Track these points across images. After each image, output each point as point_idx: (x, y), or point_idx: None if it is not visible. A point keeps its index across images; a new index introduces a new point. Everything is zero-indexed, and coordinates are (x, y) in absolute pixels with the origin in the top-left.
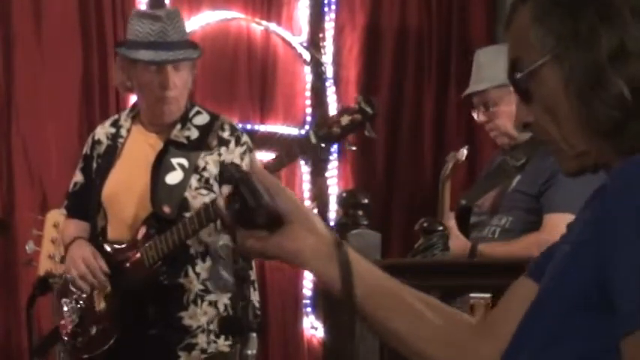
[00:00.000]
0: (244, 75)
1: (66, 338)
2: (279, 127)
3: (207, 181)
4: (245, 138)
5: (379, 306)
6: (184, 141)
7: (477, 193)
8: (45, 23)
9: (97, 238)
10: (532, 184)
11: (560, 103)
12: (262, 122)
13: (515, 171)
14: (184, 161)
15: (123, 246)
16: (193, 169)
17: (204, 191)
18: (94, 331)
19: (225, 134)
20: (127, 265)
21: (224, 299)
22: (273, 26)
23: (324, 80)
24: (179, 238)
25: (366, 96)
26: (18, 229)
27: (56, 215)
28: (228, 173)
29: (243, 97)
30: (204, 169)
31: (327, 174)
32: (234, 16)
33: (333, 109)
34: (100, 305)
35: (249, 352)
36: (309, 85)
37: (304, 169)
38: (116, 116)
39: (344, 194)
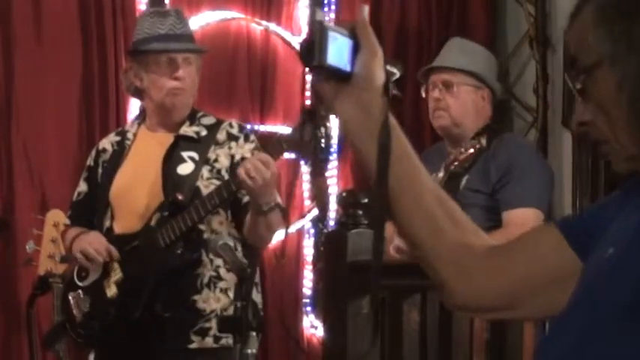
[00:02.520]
0: (244, 75)
1: (77, 329)
2: (278, 127)
3: (218, 172)
4: (253, 137)
5: (404, 207)
6: (194, 135)
7: None
8: (45, 24)
9: (106, 237)
10: (484, 182)
11: (613, 105)
12: (262, 122)
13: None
14: (195, 154)
15: (134, 232)
16: (204, 161)
17: (215, 181)
18: (105, 317)
19: (234, 130)
20: (140, 248)
21: (235, 289)
22: (272, 26)
23: None
24: (198, 215)
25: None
26: (18, 228)
27: (56, 215)
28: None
29: (242, 97)
30: (216, 160)
31: (327, 174)
32: (233, 16)
33: None
34: (111, 291)
35: (250, 351)
36: (308, 85)
37: (304, 169)
38: (120, 128)
39: (344, 194)
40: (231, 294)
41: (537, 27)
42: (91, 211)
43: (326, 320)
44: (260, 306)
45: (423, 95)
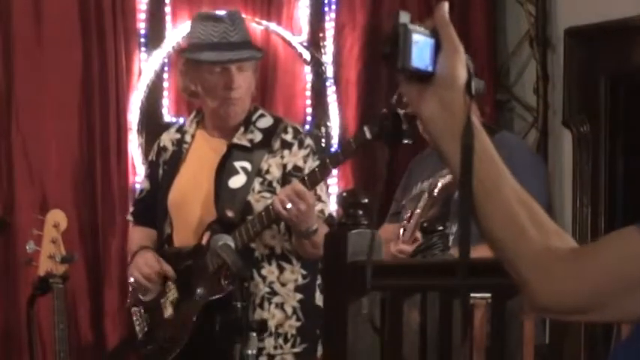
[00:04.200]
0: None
1: (139, 347)
2: None
3: (270, 184)
4: (308, 141)
5: (487, 210)
6: (247, 144)
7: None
8: (45, 23)
9: (162, 245)
10: None
11: None
12: None
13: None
14: (247, 164)
15: (188, 251)
16: (256, 172)
17: (267, 194)
18: (162, 338)
19: (289, 137)
20: (192, 269)
21: (292, 302)
22: (273, 26)
23: (324, 80)
24: (242, 241)
25: None
26: (18, 228)
27: (56, 215)
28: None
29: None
30: (267, 171)
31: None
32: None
33: (333, 109)
34: (168, 312)
35: (250, 351)
36: (309, 85)
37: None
38: (181, 122)
39: (344, 194)
40: (287, 308)
41: (537, 27)
42: (153, 209)
43: (325, 321)
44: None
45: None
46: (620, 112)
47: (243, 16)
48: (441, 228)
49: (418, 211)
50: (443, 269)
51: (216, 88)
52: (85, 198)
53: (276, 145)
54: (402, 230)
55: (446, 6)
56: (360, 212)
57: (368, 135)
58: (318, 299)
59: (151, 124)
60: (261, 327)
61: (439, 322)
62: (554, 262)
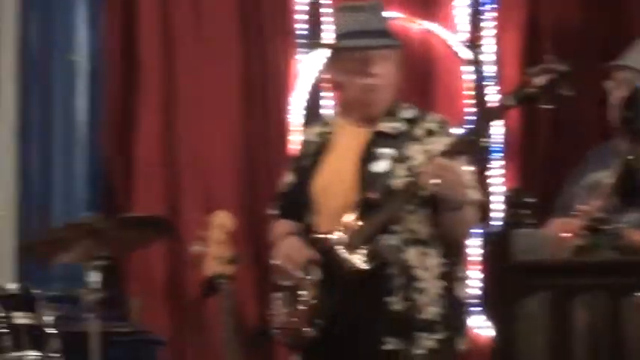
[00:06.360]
0: (404, 75)
1: (277, 331)
2: None
3: (413, 170)
4: (452, 131)
5: None
6: (391, 131)
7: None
8: (204, 19)
9: (307, 234)
10: None
11: None
12: None
13: None
14: (391, 151)
15: (330, 235)
16: (400, 158)
17: (410, 180)
18: (304, 320)
19: (433, 125)
20: (335, 253)
21: (433, 289)
22: (432, 26)
23: (484, 79)
24: (385, 217)
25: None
26: (184, 229)
27: (222, 216)
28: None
29: (402, 97)
30: (411, 158)
31: (489, 172)
32: (393, 16)
33: None
34: (310, 294)
35: (417, 351)
36: (469, 85)
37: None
38: (324, 117)
39: (510, 193)
40: (429, 294)
41: None
42: (297, 202)
43: (495, 322)
44: (464, 302)
45: (607, 91)
46: None
47: (392, 14)
48: (608, 227)
49: (594, 201)
50: (611, 268)
51: (356, 75)
52: (249, 199)
53: (421, 132)
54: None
55: None
56: (526, 212)
57: (510, 101)
58: (459, 289)
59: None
60: (428, 326)
61: (607, 321)
62: None
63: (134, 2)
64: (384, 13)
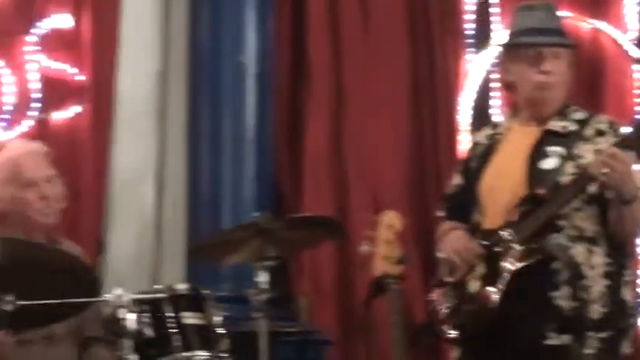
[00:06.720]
0: (574, 75)
1: (442, 326)
2: None
3: (582, 168)
4: (621, 132)
5: None
6: (561, 130)
7: None
8: (373, 19)
9: (472, 233)
10: None
11: None
12: None
13: None
14: (560, 149)
15: (497, 229)
16: (569, 156)
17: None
18: (466, 312)
19: (603, 126)
20: (498, 246)
21: (597, 287)
22: (602, 25)
23: None
24: (555, 208)
25: None
26: (352, 229)
27: (391, 216)
28: None
29: (571, 96)
30: (581, 157)
31: None
32: (564, 15)
33: None
34: (473, 287)
35: (588, 351)
36: (639, 84)
37: None
38: (495, 120)
39: None
40: (593, 292)
41: None
42: (464, 203)
43: None
44: (630, 305)
45: None
46: None
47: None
48: None
49: None
50: None
51: (530, 72)
52: (417, 199)
53: (591, 132)
54: None
55: None
56: None
57: None
58: (625, 293)
59: (482, 125)
60: (594, 325)
61: None
62: None
63: (303, 3)
64: (558, 13)
